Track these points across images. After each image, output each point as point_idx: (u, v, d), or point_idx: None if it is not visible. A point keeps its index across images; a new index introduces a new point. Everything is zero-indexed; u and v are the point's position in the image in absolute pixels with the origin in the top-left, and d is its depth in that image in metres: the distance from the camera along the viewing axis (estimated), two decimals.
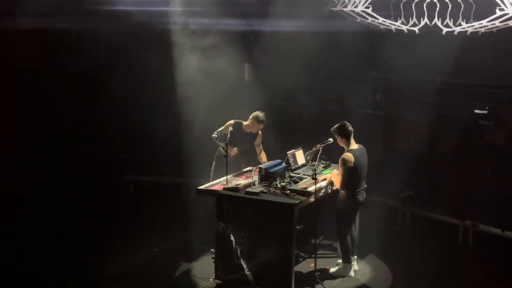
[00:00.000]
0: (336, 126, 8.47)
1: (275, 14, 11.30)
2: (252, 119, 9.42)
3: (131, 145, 12.12)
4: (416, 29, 9.14)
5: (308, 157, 9.46)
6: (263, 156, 9.65)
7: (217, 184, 8.76)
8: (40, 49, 11.47)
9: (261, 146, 9.70)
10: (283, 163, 9.01)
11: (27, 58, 11.24)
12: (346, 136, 8.39)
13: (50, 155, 11.63)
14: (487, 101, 9.84)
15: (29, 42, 11.16)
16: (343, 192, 8.41)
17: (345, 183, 8.30)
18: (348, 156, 8.28)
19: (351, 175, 8.30)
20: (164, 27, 11.26)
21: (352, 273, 8.68)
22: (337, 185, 8.42)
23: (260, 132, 9.59)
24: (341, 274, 8.66)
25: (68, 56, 12.09)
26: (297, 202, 7.96)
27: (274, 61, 11.37)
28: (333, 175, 8.60)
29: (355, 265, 8.83)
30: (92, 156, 12.09)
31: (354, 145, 8.42)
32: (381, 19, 9.37)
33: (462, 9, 8.61)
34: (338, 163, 8.92)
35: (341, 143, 8.46)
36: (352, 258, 8.76)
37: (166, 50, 11.11)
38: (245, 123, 9.50)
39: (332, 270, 8.74)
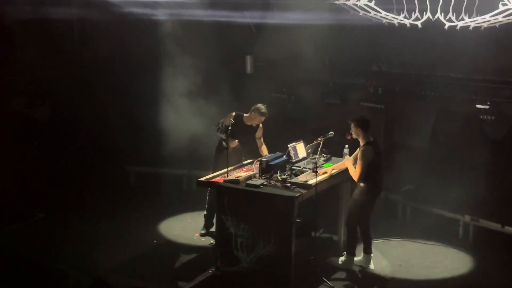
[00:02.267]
0: (359, 117, 8.43)
1: (277, 6, 11.28)
2: (253, 112, 9.39)
3: (132, 135, 12.12)
4: (418, 23, 9.10)
5: (309, 150, 9.45)
6: (264, 149, 9.64)
7: (218, 176, 8.76)
8: (42, 39, 11.47)
9: (262, 139, 9.68)
10: (284, 156, 9.01)
11: (29, 48, 11.25)
12: (365, 130, 8.37)
13: (50, 146, 11.66)
14: (489, 96, 9.84)
15: (31, 32, 11.17)
16: (362, 184, 8.42)
17: (363, 176, 8.31)
18: (369, 149, 8.29)
19: (371, 168, 8.30)
20: (167, 18, 11.26)
21: (353, 266, 8.66)
22: (354, 177, 8.40)
23: (261, 125, 9.58)
24: (345, 266, 8.64)
25: (70, 46, 12.09)
26: (298, 195, 7.95)
27: (276, 54, 11.36)
28: (348, 165, 8.53)
29: (372, 264, 8.73)
30: (92, 147, 12.11)
31: (370, 138, 8.42)
32: (383, 13, 9.32)
33: (465, 3, 8.58)
34: (338, 156, 8.95)
35: (358, 135, 8.41)
36: (366, 256, 8.71)
37: (168, 41, 11.11)
38: (246, 115, 9.48)
39: (335, 261, 8.71)
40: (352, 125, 8.44)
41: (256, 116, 9.38)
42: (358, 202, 8.53)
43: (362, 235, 8.74)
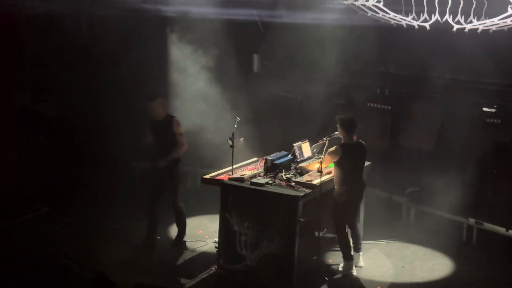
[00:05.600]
0: (343, 116, 8.41)
1: (285, 6, 11.27)
2: None
3: (138, 131, 12.11)
4: (427, 25, 9.11)
5: (314, 150, 9.45)
6: (175, 152, 9.10)
7: (222, 173, 8.76)
8: (49, 35, 11.48)
9: (181, 138, 9.07)
10: (289, 155, 9.01)
11: (36, 43, 11.26)
12: (347, 131, 8.35)
13: (55, 141, 11.67)
14: (496, 99, 9.81)
15: (39, 27, 11.18)
16: (336, 186, 8.41)
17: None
18: (338, 150, 8.26)
19: (342, 168, 8.29)
20: (174, 15, 11.26)
21: (354, 271, 8.60)
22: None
23: (176, 120, 9.11)
24: (345, 272, 8.56)
25: (78, 42, 12.10)
26: (302, 194, 7.96)
27: (283, 53, 11.36)
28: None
29: (361, 262, 8.79)
30: (98, 142, 12.11)
31: (351, 140, 8.40)
32: (392, 14, 9.35)
33: (473, 6, 8.58)
34: None
35: (341, 134, 8.42)
36: (355, 254, 8.72)
37: (175, 38, 11.12)
38: None
39: (336, 268, 8.69)
40: (337, 123, 8.44)
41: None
42: (336, 207, 8.51)
43: (339, 240, 8.70)
